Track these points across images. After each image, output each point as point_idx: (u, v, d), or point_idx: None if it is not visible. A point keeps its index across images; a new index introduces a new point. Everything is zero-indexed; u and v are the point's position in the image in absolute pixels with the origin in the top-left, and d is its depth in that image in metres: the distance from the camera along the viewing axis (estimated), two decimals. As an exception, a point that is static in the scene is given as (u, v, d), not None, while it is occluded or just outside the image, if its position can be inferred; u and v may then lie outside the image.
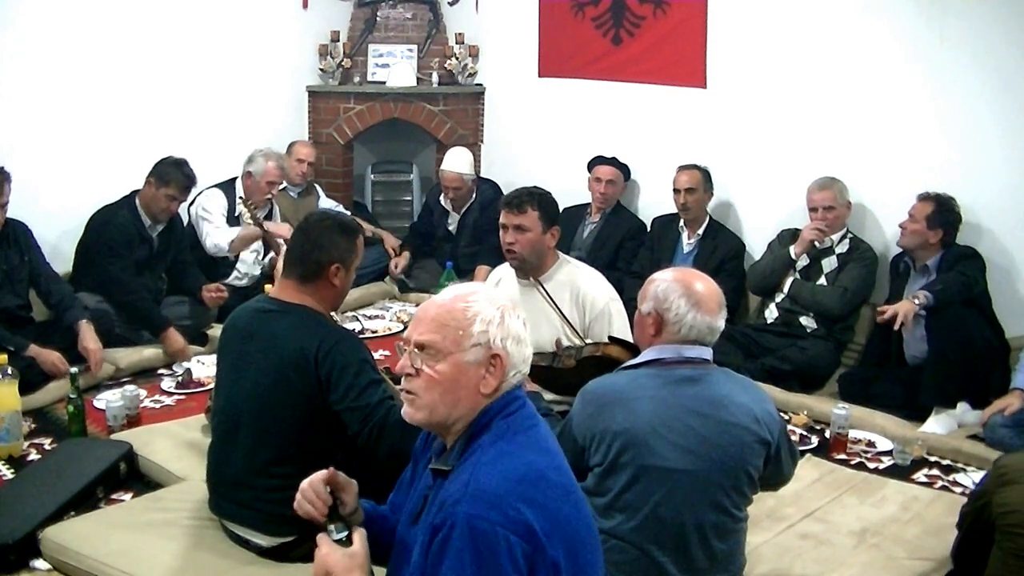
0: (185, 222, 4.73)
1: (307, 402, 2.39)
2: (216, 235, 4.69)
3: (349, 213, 5.61)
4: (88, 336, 3.85)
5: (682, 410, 2.10)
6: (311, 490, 1.68)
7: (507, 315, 1.61)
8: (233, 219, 4.81)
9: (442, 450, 1.66)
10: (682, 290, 2.17)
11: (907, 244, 3.89)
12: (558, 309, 3.07)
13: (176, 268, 4.53)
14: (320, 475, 1.70)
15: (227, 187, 4.84)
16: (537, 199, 3.14)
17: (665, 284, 2.20)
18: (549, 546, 1.47)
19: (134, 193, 4.34)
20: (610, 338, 2.95)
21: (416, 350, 1.60)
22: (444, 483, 1.58)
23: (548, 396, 3.01)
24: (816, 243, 4.18)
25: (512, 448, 1.55)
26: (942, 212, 3.78)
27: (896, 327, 3.57)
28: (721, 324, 2.21)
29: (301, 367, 2.38)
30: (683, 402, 2.11)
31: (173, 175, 4.23)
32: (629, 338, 2.87)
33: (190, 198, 4.61)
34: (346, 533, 1.62)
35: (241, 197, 4.60)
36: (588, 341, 3.04)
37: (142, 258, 4.33)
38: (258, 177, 4.74)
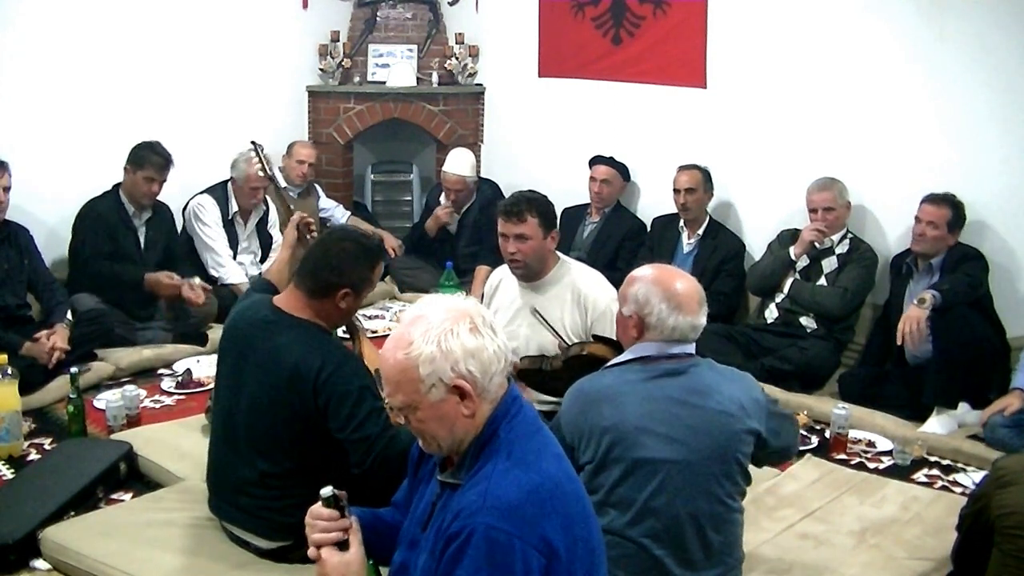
0: (180, 224, 4.74)
1: (305, 422, 2.36)
2: (225, 270, 4.70)
3: (350, 213, 5.62)
4: (59, 335, 3.76)
5: (668, 402, 2.11)
6: (323, 523, 1.63)
7: (447, 338, 1.54)
8: (228, 224, 4.79)
9: (444, 460, 1.65)
10: (662, 293, 2.17)
11: (926, 249, 3.81)
12: (551, 328, 3.07)
13: (167, 261, 4.48)
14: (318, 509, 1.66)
15: (218, 191, 4.80)
16: (536, 206, 3.12)
17: (644, 287, 2.19)
18: (564, 555, 1.49)
19: (117, 185, 4.36)
20: (595, 336, 2.94)
21: (394, 408, 1.61)
22: (455, 493, 1.57)
23: (539, 398, 3.01)
24: (816, 244, 4.17)
25: (528, 456, 1.55)
26: (959, 215, 3.77)
27: (911, 334, 3.50)
28: (703, 321, 2.21)
29: (298, 388, 2.34)
30: (669, 393, 2.12)
31: (147, 157, 4.25)
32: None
33: (183, 202, 4.61)
34: (332, 493, 1.62)
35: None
36: (574, 340, 3.03)
37: (130, 248, 4.33)
38: (240, 183, 4.71)
